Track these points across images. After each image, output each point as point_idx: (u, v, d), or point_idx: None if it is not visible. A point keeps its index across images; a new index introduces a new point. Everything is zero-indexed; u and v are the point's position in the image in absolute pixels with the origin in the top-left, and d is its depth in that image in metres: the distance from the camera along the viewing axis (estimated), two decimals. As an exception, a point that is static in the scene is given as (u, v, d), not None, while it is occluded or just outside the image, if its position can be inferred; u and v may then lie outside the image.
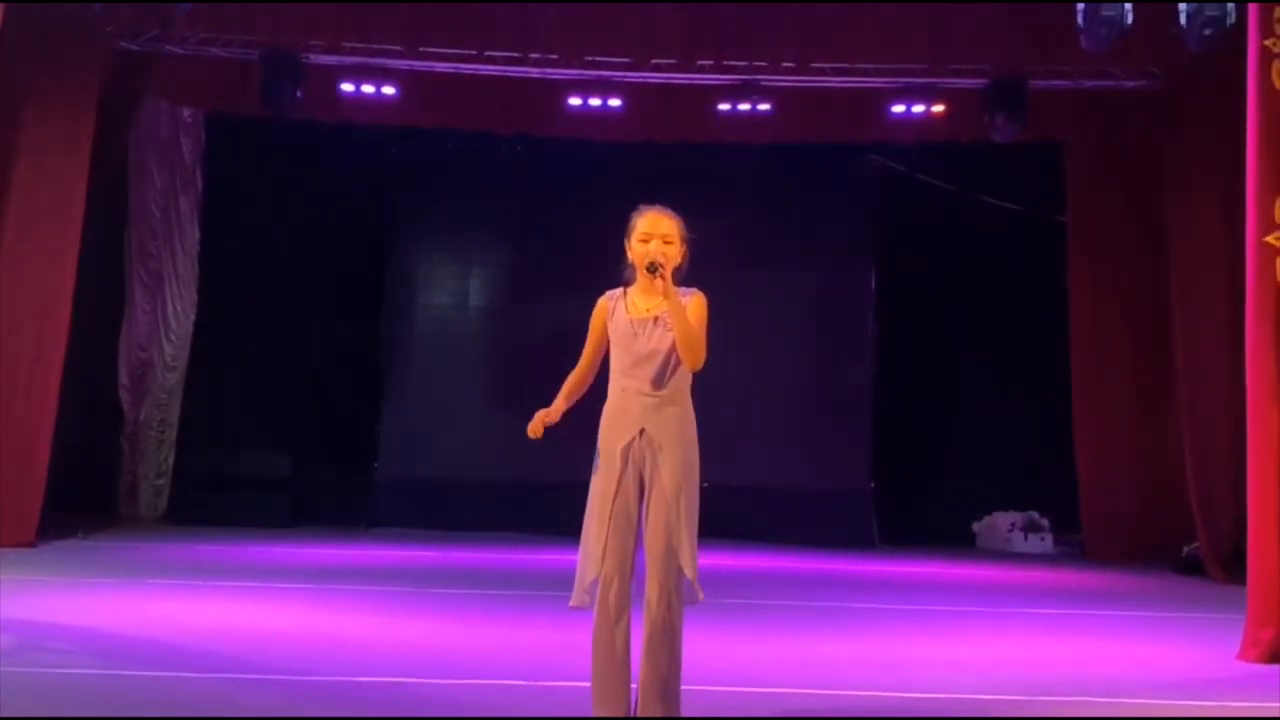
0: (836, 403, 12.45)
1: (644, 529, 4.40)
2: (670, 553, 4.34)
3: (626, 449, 4.40)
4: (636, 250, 4.47)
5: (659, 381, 4.42)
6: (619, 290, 4.57)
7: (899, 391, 12.58)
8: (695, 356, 4.38)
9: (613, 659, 4.34)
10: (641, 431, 4.40)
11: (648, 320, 4.44)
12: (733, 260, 12.27)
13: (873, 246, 12.62)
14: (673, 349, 4.41)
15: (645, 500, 4.40)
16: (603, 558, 4.35)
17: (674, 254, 4.45)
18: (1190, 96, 10.48)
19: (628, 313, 4.47)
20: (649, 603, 4.33)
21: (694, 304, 4.43)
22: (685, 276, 4.53)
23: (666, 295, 4.34)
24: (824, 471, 12.31)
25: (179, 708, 4.85)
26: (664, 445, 4.39)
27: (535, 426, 4.51)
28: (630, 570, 4.37)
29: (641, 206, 4.54)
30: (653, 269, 4.35)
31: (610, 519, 4.36)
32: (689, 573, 4.36)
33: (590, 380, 4.59)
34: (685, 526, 4.36)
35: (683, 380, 4.47)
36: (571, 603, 4.42)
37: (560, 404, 4.58)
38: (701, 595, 4.42)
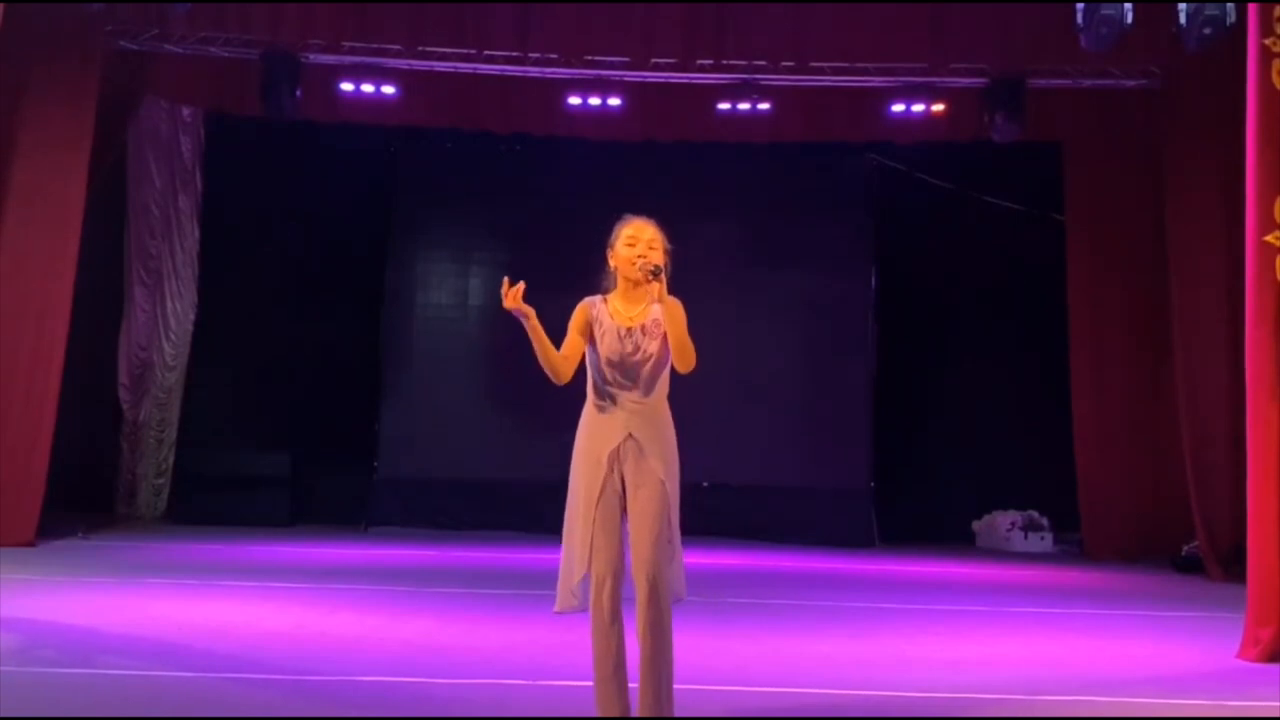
0: (836, 403, 12.45)
1: (630, 527, 4.41)
2: (659, 548, 4.36)
3: (614, 454, 4.41)
4: (622, 254, 4.49)
5: (647, 388, 4.46)
6: (598, 297, 4.57)
7: (899, 391, 12.59)
8: (689, 360, 4.40)
9: (609, 660, 4.37)
10: (628, 436, 4.42)
11: (635, 329, 4.46)
12: (733, 260, 12.31)
13: (873, 246, 12.61)
14: (658, 356, 4.44)
15: (630, 499, 4.41)
16: (589, 559, 4.36)
17: (657, 260, 4.45)
18: (1190, 96, 10.49)
19: (614, 320, 4.48)
20: (640, 603, 4.35)
21: (677, 310, 4.44)
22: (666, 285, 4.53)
23: (662, 299, 4.34)
24: (824, 471, 12.30)
25: (179, 708, 4.85)
26: (650, 449, 4.42)
27: (516, 295, 4.34)
28: (621, 571, 4.39)
29: (626, 216, 4.56)
30: (657, 272, 4.34)
31: (595, 521, 4.37)
32: (680, 571, 4.42)
33: (569, 375, 4.49)
34: (674, 528, 4.40)
35: (665, 386, 4.51)
36: (556, 608, 4.45)
37: (542, 340, 4.40)
38: (685, 594, 4.48)
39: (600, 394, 4.48)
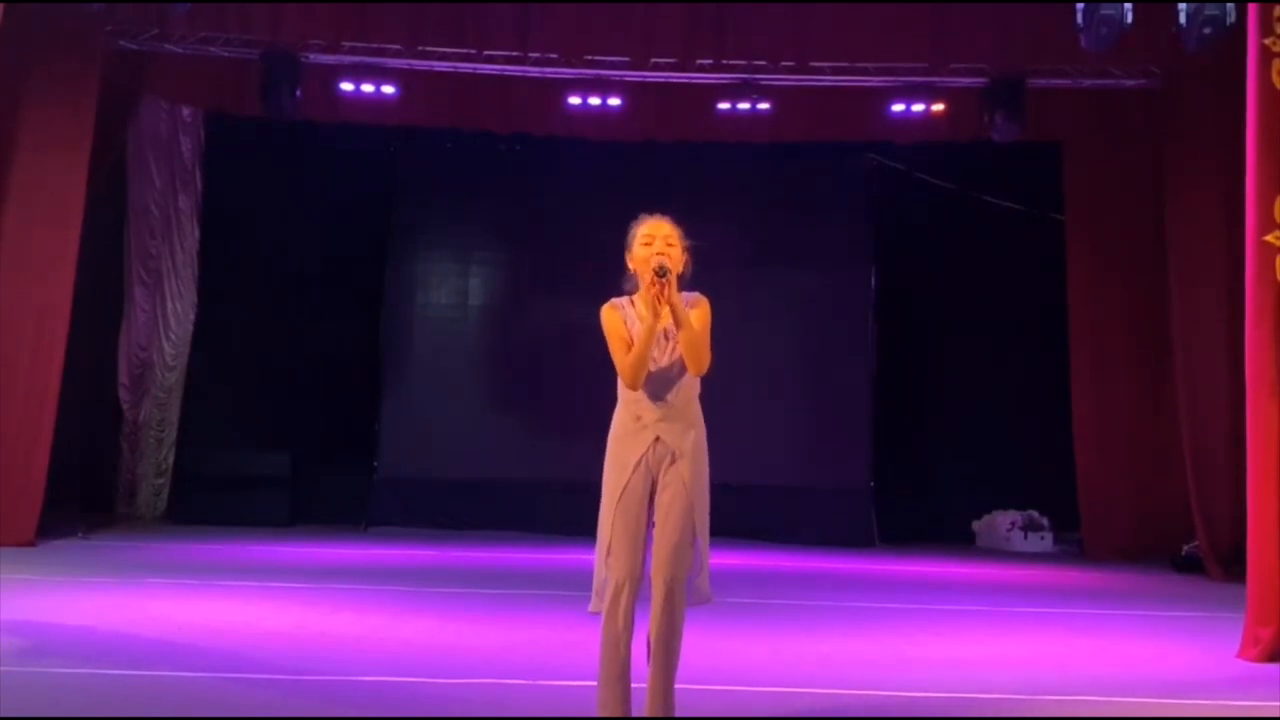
0: (836, 402, 12.45)
1: (654, 530, 4.40)
2: (679, 553, 4.35)
3: (642, 458, 4.39)
4: (639, 255, 4.43)
5: (672, 394, 4.42)
6: (624, 299, 4.51)
7: (899, 391, 12.59)
8: (700, 362, 4.38)
9: (616, 664, 4.36)
10: (656, 440, 4.40)
11: (659, 333, 4.41)
12: (732, 260, 12.29)
13: (873, 246, 12.61)
14: (682, 359, 4.40)
15: (655, 502, 4.40)
16: (607, 560, 4.37)
17: (677, 256, 4.42)
18: (1190, 96, 10.48)
19: (640, 324, 4.42)
20: (655, 606, 4.35)
21: (699, 311, 4.42)
22: (689, 281, 4.51)
23: (670, 300, 4.31)
24: (824, 471, 12.30)
25: (179, 708, 4.85)
26: (678, 453, 4.39)
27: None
28: (640, 576, 4.38)
29: (641, 216, 4.53)
30: (662, 272, 4.29)
31: (615, 523, 4.36)
32: (705, 573, 4.42)
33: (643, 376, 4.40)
34: (702, 531, 4.40)
35: (692, 390, 4.47)
36: (591, 608, 4.46)
37: (650, 343, 4.33)
38: (711, 595, 4.49)
39: (630, 399, 4.44)
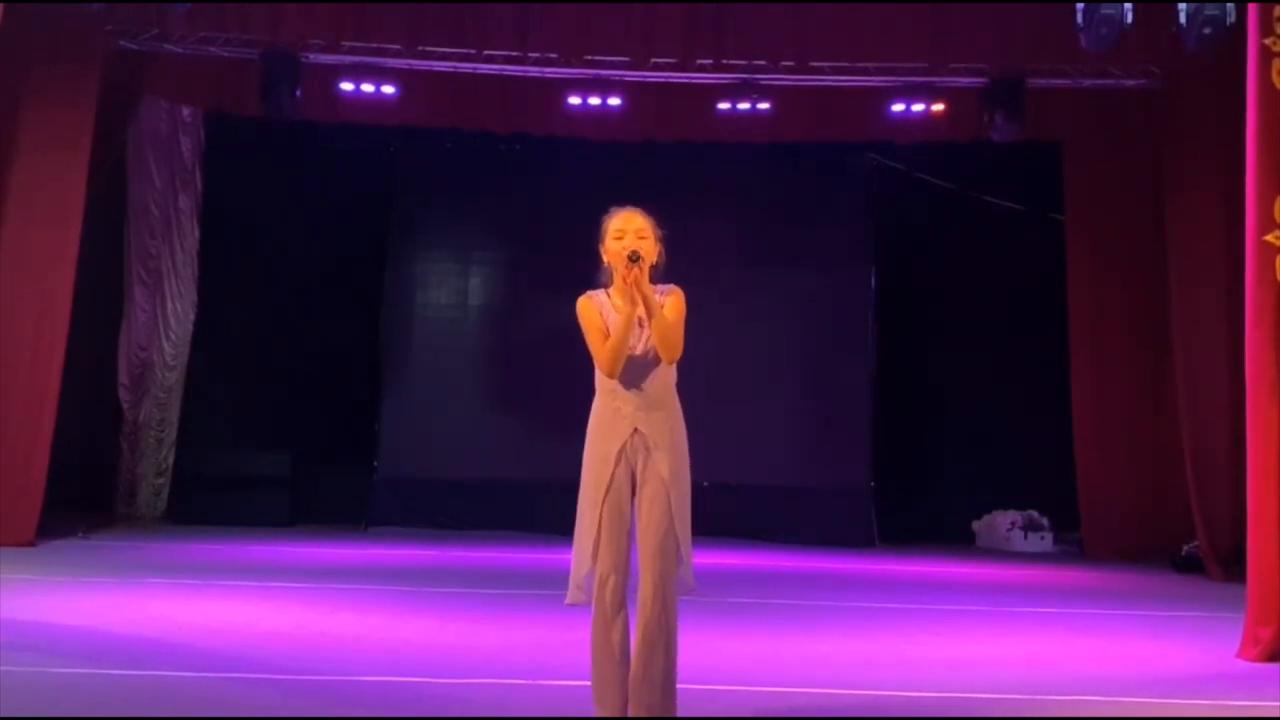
0: (836, 402, 12.45)
1: (636, 526, 4.41)
2: (665, 548, 4.35)
3: (621, 450, 4.41)
4: (613, 249, 4.45)
5: (648, 382, 4.44)
6: (599, 291, 4.54)
7: (898, 391, 12.59)
8: (671, 350, 4.40)
9: (610, 658, 4.36)
10: (634, 431, 4.41)
11: (634, 323, 4.44)
12: (732, 260, 12.32)
13: (873, 246, 12.62)
14: (656, 347, 4.42)
15: (636, 497, 4.42)
16: (594, 554, 4.37)
17: (649, 248, 4.44)
18: (1190, 96, 10.49)
19: (616, 315, 4.45)
20: (643, 600, 4.34)
21: (673, 300, 4.45)
22: (665, 273, 4.52)
23: (639, 286, 4.32)
24: (824, 471, 12.30)
25: (179, 708, 4.85)
26: (657, 443, 4.41)
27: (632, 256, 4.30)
28: (626, 568, 4.39)
29: (612, 209, 4.54)
30: (635, 258, 4.31)
31: (602, 516, 4.37)
32: (687, 563, 4.42)
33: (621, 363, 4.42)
34: (681, 521, 4.40)
35: (668, 378, 4.49)
36: (567, 600, 4.47)
37: (629, 331, 4.37)
38: (694, 585, 4.47)
39: (607, 389, 4.47)
